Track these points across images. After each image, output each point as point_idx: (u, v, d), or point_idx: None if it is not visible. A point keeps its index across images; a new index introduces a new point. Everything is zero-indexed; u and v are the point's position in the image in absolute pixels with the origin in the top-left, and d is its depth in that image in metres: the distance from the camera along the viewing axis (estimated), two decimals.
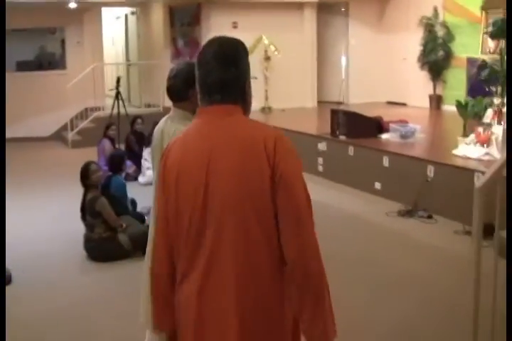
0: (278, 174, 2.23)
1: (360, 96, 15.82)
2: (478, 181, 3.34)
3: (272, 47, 14.60)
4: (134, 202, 7.72)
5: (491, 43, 13.18)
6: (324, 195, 9.15)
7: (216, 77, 2.34)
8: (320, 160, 10.26)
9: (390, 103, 15.74)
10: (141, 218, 7.14)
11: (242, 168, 2.25)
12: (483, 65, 9.36)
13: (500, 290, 3.44)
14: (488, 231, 5.59)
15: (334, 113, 10.08)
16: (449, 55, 14.44)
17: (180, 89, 3.63)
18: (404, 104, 15.25)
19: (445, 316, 5.14)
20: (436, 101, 14.69)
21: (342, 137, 9.85)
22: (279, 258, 2.29)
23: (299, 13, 15.64)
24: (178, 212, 2.34)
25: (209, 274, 2.30)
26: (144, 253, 3.66)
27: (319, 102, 15.81)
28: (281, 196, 2.24)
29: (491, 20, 13.01)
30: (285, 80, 15.21)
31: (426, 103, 14.74)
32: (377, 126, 9.98)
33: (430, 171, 7.99)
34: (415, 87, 15.00)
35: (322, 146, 10.21)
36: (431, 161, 8.09)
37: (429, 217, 7.75)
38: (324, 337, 2.30)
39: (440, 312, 5.23)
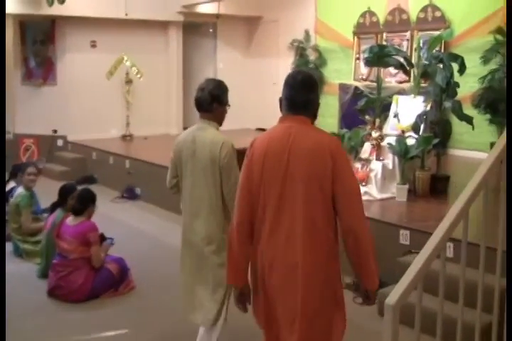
0: (337, 171, 3.14)
1: (228, 122, 14.32)
2: (390, 296, 2.49)
3: (135, 70, 13.49)
4: None
5: (363, 70, 12.66)
6: (148, 221, 8.24)
7: (302, 97, 3.36)
8: None
9: (259, 129, 14.92)
10: None
11: (313, 159, 3.17)
12: (359, 93, 8.65)
13: None
14: None
15: None
16: (321, 81, 13.77)
17: (205, 101, 4.27)
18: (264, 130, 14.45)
19: None
20: None
21: None
22: (331, 223, 3.22)
23: (164, 33, 14.67)
24: (263, 185, 3.25)
25: (288, 230, 3.22)
26: None
27: (186, 129, 14.70)
28: (339, 185, 3.14)
29: (364, 46, 12.58)
30: (148, 105, 14.17)
31: None
32: None
33: None
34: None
35: None
36: None
37: None
38: (373, 287, 3.29)
39: None
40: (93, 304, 6.04)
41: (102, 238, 6.37)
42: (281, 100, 3.48)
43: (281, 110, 3.49)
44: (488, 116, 10.55)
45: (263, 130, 14.57)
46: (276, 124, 3.48)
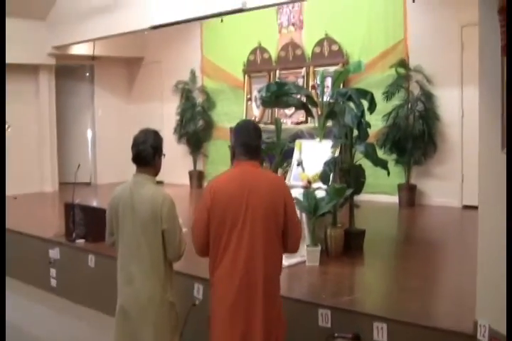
0: (287, 207, 3.87)
1: (110, 175, 13.59)
2: None
3: None
4: None
5: (255, 111, 11.65)
6: (55, 325, 6.66)
7: (254, 144, 3.96)
8: (52, 272, 7.73)
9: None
10: None
11: (270, 198, 3.83)
12: None
13: None
14: None
15: (69, 208, 7.62)
16: (209, 125, 12.86)
17: (148, 156, 4.21)
18: (161, 182, 13.13)
19: None
20: (198, 178, 12.94)
21: (79, 241, 7.45)
22: (281, 246, 3.92)
23: (34, 78, 13.31)
24: (224, 223, 3.80)
25: (249, 253, 3.80)
26: None
27: (63, 184, 13.26)
28: (289, 218, 3.88)
29: (255, 86, 11.58)
30: (18, 160, 12.58)
31: (186, 180, 12.92)
32: None
33: (198, 291, 5.82)
34: (172, 163, 12.90)
35: (54, 254, 7.69)
36: (198, 277, 5.87)
37: None
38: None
39: None
40: None
41: None
42: (233, 148, 4.04)
43: (232, 157, 4.12)
44: (394, 156, 9.71)
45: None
46: (231, 168, 4.06)
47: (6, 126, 11.76)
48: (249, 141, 3.93)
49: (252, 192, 3.82)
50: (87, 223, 7.35)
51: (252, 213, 3.80)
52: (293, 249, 4.06)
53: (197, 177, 12.87)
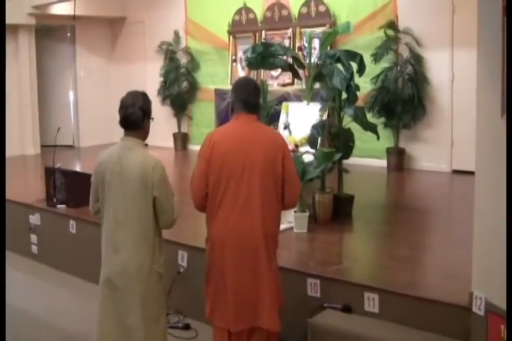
0: (285, 161, 3.98)
1: (93, 137, 13.52)
2: None
3: None
4: None
5: (241, 72, 11.41)
6: (36, 292, 6.50)
7: (254, 99, 4.09)
8: (33, 238, 7.54)
9: None
10: None
11: (269, 151, 3.95)
12: None
13: None
14: None
15: (49, 173, 7.40)
16: (194, 87, 12.65)
17: (138, 117, 3.98)
18: (145, 145, 12.90)
19: None
20: (182, 140, 12.75)
21: (60, 207, 7.26)
22: (279, 201, 4.03)
23: (13, 39, 12.85)
24: (222, 176, 3.91)
25: (246, 206, 3.91)
26: None
27: (44, 147, 12.95)
28: (287, 172, 3.99)
29: (240, 46, 11.35)
30: None
31: (170, 142, 12.74)
32: None
33: (183, 258, 5.67)
34: (156, 125, 12.65)
35: (35, 219, 7.50)
36: (182, 244, 5.73)
37: (186, 327, 5.36)
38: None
39: None
40: None
41: None
42: (232, 103, 4.14)
43: (231, 112, 4.16)
44: (382, 119, 9.54)
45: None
46: (232, 121, 4.14)
47: None
48: (248, 98, 4.03)
49: (251, 145, 3.94)
50: (69, 188, 7.15)
51: (250, 166, 3.90)
52: (290, 205, 4.19)
53: (181, 139, 12.67)
